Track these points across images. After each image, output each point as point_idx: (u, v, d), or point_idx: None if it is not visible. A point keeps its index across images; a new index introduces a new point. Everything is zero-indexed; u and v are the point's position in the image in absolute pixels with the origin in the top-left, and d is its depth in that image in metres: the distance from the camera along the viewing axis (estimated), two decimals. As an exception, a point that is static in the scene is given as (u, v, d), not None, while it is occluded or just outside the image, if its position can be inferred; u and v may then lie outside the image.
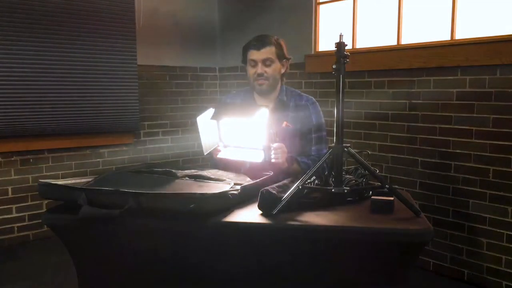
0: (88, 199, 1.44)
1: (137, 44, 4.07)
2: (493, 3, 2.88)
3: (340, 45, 1.51)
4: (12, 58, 3.47)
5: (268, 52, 2.12)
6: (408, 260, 1.48)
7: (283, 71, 2.21)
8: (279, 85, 2.22)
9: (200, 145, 1.99)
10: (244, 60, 2.20)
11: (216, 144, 2.00)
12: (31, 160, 3.71)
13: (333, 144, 1.54)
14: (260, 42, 2.13)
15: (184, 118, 4.47)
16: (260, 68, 2.12)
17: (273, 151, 1.89)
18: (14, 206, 3.66)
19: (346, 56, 1.51)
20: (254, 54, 2.13)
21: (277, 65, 2.15)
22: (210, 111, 1.92)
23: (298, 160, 2.06)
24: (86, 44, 3.78)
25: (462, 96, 2.95)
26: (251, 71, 2.16)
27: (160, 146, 4.43)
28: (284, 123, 2.15)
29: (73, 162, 3.91)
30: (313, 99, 2.25)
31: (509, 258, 2.80)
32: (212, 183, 1.63)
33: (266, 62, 2.12)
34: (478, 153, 2.89)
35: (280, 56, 2.16)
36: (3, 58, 3.43)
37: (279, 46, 2.15)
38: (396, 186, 1.54)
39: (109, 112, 3.96)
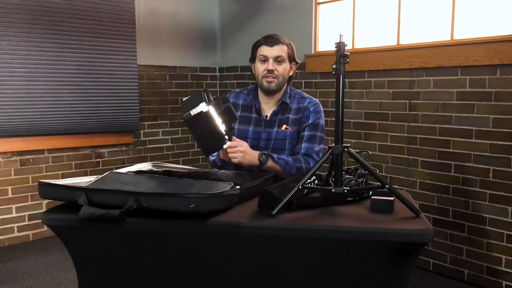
0: (88, 199, 1.44)
1: (137, 44, 4.08)
2: (493, 3, 2.88)
3: (340, 45, 1.51)
4: (12, 58, 3.47)
5: (280, 50, 2.07)
6: (408, 260, 1.47)
7: (291, 73, 2.15)
8: (285, 87, 2.16)
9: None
10: (253, 57, 2.14)
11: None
12: (31, 160, 3.71)
13: (333, 144, 1.54)
14: (273, 39, 2.08)
15: (184, 118, 4.47)
16: (271, 65, 2.06)
17: (227, 150, 1.88)
18: (14, 206, 3.67)
19: (346, 56, 1.51)
20: (265, 50, 2.07)
21: (287, 65, 2.10)
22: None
23: (274, 158, 2.00)
24: (86, 44, 3.79)
25: (462, 96, 2.95)
26: (260, 67, 2.09)
27: (160, 146, 4.43)
28: (284, 127, 2.11)
29: (73, 162, 3.91)
30: (317, 101, 2.18)
31: (509, 258, 2.80)
32: (212, 183, 1.63)
33: (277, 59, 2.07)
34: (478, 153, 2.89)
35: (291, 57, 2.11)
36: (3, 58, 3.43)
37: (290, 47, 2.12)
38: (396, 186, 1.54)
39: (109, 112, 3.96)
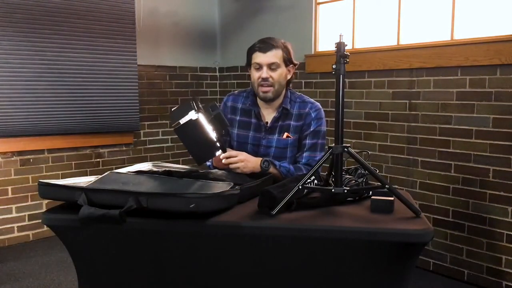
0: (88, 199, 1.44)
1: (137, 44, 4.08)
2: (493, 3, 2.88)
3: (340, 45, 1.51)
4: (12, 58, 3.47)
5: (274, 55, 1.98)
6: (408, 260, 1.48)
7: (289, 77, 2.06)
8: (284, 92, 2.08)
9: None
10: (248, 63, 2.06)
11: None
12: (31, 160, 3.71)
13: (333, 144, 1.54)
14: (266, 44, 1.99)
15: (184, 118, 4.47)
16: (265, 72, 1.98)
17: (224, 160, 1.84)
18: (14, 206, 3.67)
19: (346, 56, 1.51)
20: (259, 57, 1.99)
21: (283, 70, 2.01)
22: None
23: (275, 164, 1.97)
24: (86, 44, 3.79)
25: (462, 96, 2.95)
26: (255, 75, 2.02)
27: (160, 146, 4.43)
28: (285, 135, 2.06)
29: (73, 162, 3.91)
30: (319, 105, 2.10)
31: (509, 258, 2.80)
32: (212, 183, 1.63)
33: (271, 66, 1.98)
34: (478, 153, 2.89)
35: (287, 61, 2.02)
36: (3, 58, 3.43)
37: (286, 50, 2.01)
38: (396, 186, 1.54)
39: (109, 112, 3.96)
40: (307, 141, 2.06)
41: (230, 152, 1.89)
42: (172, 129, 1.75)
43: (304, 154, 2.06)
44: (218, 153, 1.85)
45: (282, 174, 1.97)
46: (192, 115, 1.69)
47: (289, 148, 2.07)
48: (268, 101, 2.07)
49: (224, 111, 2.16)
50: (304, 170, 2.00)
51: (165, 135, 4.45)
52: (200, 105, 1.75)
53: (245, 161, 1.89)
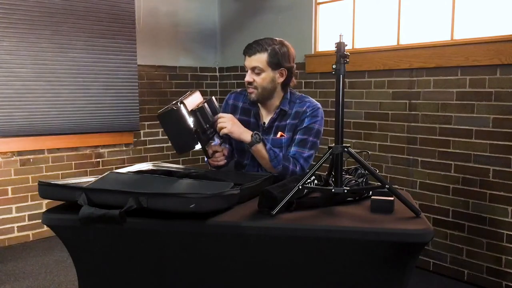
0: (88, 199, 1.44)
1: (137, 44, 4.08)
2: (493, 3, 2.88)
3: (340, 45, 1.51)
4: (12, 58, 3.47)
5: (256, 60, 1.98)
6: (408, 261, 1.48)
7: (281, 80, 2.03)
8: (278, 95, 2.08)
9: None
10: None
11: None
12: (31, 160, 3.71)
13: (333, 144, 1.54)
14: (251, 48, 1.99)
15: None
16: (248, 76, 2.02)
17: (219, 119, 1.91)
18: (14, 206, 3.67)
19: (346, 56, 1.51)
20: (246, 60, 2.03)
21: (268, 74, 2.00)
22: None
23: (266, 144, 1.96)
24: (86, 44, 3.79)
25: (462, 96, 2.95)
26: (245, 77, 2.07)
27: (160, 146, 4.43)
28: (279, 134, 2.06)
29: (73, 162, 3.91)
30: (318, 105, 2.07)
31: (509, 258, 2.80)
32: (212, 183, 1.63)
33: (255, 70, 2.00)
34: (478, 153, 2.89)
35: (273, 65, 1.99)
36: (3, 58, 3.43)
37: (273, 54, 1.98)
38: (396, 186, 1.54)
39: (109, 112, 3.96)
40: (297, 136, 2.04)
41: (222, 113, 1.97)
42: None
43: (292, 148, 2.03)
44: (198, 146, 1.87)
45: (269, 156, 1.96)
46: (174, 105, 1.76)
47: (284, 148, 2.06)
48: (256, 102, 2.09)
49: (225, 109, 2.18)
50: (291, 161, 1.99)
51: (165, 135, 4.43)
52: (189, 98, 1.83)
53: (233, 121, 1.93)
